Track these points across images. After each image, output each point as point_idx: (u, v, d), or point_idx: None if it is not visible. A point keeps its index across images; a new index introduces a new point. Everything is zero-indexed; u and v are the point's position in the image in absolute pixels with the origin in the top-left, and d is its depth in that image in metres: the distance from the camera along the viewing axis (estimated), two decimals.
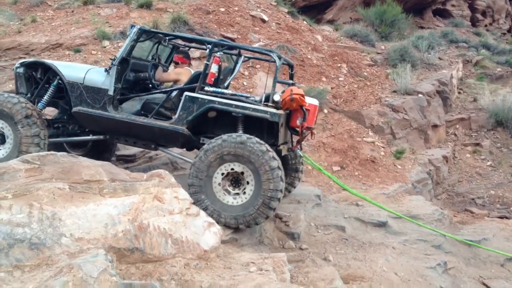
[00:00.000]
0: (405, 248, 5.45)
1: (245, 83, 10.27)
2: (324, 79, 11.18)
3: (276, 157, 4.64)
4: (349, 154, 9.06)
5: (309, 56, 11.61)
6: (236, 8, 12.24)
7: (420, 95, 11.48)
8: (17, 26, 10.65)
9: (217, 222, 4.04)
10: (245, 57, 5.98)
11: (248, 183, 4.60)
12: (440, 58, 14.43)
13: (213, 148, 4.63)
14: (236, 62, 5.77)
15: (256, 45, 11.37)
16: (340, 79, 11.52)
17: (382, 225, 5.95)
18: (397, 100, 11.08)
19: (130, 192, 3.19)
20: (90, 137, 5.68)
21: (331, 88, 10.92)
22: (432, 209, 7.01)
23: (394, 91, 11.60)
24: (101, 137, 5.61)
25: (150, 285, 2.54)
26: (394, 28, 16.19)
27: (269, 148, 4.65)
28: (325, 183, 7.71)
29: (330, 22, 16.68)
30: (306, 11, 14.75)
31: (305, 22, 13.62)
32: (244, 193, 4.60)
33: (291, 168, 6.02)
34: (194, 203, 3.74)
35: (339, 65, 12.07)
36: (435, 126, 11.60)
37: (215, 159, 4.61)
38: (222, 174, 4.63)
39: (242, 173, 4.62)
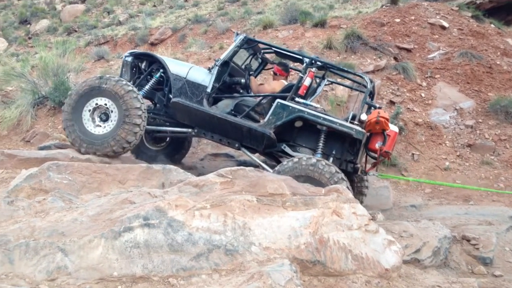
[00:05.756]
0: None
1: (423, 95, 9.77)
2: None
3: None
4: None
5: (498, 62, 10.51)
6: (413, 17, 11.77)
7: None
8: (207, 53, 11.98)
9: None
10: (328, 80, 6.38)
11: None
12: None
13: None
14: (319, 85, 6.08)
15: (435, 53, 10.77)
16: None
17: None
18: None
19: (310, 206, 3.28)
20: (178, 129, 6.04)
21: None
22: None
23: None
24: (189, 130, 5.94)
25: None
26: None
27: (338, 170, 4.96)
28: None
29: None
30: (493, 13, 13.37)
31: (492, 25, 12.38)
32: None
33: (355, 189, 6.09)
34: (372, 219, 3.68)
35: None
36: None
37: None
38: None
39: None
